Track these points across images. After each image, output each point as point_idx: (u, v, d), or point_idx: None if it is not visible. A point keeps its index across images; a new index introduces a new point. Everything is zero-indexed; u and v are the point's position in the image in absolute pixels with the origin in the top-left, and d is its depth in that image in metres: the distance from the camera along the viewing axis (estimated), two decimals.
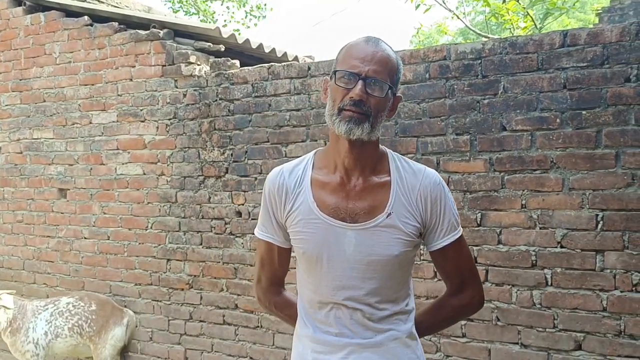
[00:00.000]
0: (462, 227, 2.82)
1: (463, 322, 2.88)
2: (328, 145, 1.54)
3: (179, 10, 14.87)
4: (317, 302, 1.51)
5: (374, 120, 1.40)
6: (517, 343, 2.77)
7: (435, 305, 1.66)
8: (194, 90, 3.70)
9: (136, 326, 3.96)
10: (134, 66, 3.93)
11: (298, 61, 4.39)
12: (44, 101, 4.35)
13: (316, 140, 3.28)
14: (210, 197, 3.66)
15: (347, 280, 1.46)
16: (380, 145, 1.53)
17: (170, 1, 14.85)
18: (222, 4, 15.22)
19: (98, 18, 4.13)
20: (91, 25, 4.12)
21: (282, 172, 1.55)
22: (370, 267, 1.45)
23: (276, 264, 1.62)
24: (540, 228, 2.70)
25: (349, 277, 1.46)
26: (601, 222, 2.58)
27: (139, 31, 3.91)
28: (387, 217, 1.44)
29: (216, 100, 3.63)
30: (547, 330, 2.70)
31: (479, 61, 2.82)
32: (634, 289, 2.51)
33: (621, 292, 2.54)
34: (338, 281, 1.47)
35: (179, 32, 3.91)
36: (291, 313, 1.65)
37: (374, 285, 1.46)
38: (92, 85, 4.11)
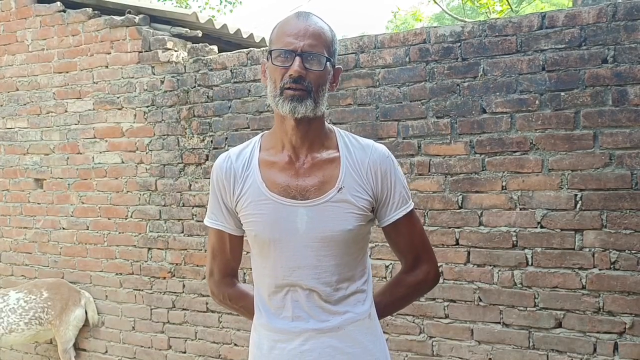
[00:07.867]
0: (444, 209, 2.89)
1: (446, 304, 2.92)
2: (274, 126, 1.50)
3: None
4: (274, 287, 1.47)
5: (316, 96, 1.39)
6: (499, 322, 2.81)
7: (390, 284, 1.63)
8: (172, 76, 3.65)
9: (96, 312, 4.02)
10: (110, 53, 3.85)
11: None
12: (17, 90, 4.25)
13: None
14: (190, 185, 3.63)
15: (302, 260, 1.43)
16: (327, 123, 1.52)
17: None
18: None
19: (71, 4, 4.03)
20: (64, 11, 4.03)
21: (229, 156, 1.51)
22: (324, 244, 1.42)
23: (228, 253, 1.57)
24: (521, 209, 2.73)
25: (304, 256, 1.43)
26: (580, 201, 2.62)
27: (114, 17, 3.83)
28: (338, 191, 1.42)
29: (195, 86, 3.59)
30: (528, 309, 2.74)
31: (459, 44, 2.82)
32: (612, 266, 2.57)
33: (600, 270, 2.59)
34: (293, 261, 1.44)
35: (155, 18, 3.84)
36: (246, 304, 1.60)
37: (329, 262, 1.44)
38: (67, 72, 4.02)
